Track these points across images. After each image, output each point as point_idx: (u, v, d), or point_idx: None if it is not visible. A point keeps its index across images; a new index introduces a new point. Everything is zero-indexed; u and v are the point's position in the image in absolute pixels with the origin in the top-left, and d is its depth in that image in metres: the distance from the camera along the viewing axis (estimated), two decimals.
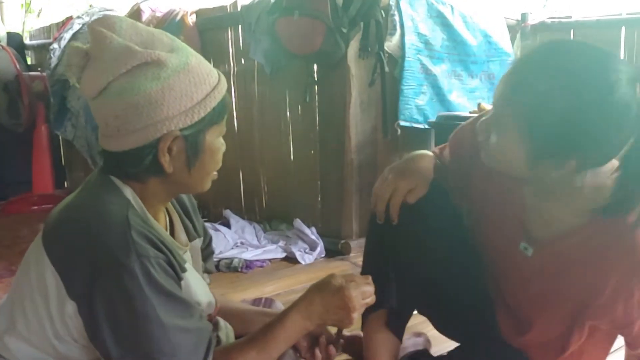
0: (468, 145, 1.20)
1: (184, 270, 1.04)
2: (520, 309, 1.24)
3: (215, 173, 1.10)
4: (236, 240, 2.94)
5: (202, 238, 1.24)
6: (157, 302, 0.93)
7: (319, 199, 3.06)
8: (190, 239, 1.19)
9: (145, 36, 0.99)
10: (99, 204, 0.97)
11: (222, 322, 1.21)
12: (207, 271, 1.28)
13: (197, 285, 1.11)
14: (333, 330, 1.28)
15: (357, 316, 1.11)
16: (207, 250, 1.27)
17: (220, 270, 2.63)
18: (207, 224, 3.00)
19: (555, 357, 1.21)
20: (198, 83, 0.99)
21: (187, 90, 0.98)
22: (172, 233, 1.14)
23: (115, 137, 0.99)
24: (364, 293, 1.12)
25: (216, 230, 2.97)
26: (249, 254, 2.77)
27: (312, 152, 3.06)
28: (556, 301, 1.15)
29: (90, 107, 1.02)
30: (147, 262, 0.93)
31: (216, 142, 1.06)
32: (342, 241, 2.83)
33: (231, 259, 2.70)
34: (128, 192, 1.01)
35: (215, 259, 2.67)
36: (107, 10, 3.88)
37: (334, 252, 2.81)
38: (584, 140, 0.94)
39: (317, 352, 1.27)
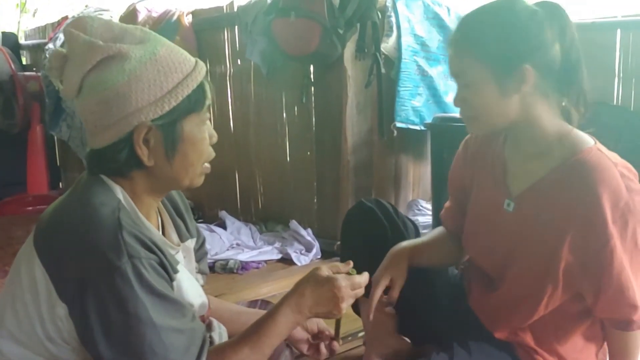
0: (456, 174, 1.44)
1: (175, 271, 1.03)
2: (496, 268, 1.31)
3: (207, 165, 1.08)
4: (232, 241, 2.94)
5: (194, 239, 1.23)
6: (149, 303, 0.92)
7: (315, 200, 3.05)
8: (183, 239, 1.18)
9: (117, 32, 0.99)
10: (90, 205, 0.96)
11: (215, 323, 1.21)
12: (201, 272, 1.27)
13: (189, 286, 1.10)
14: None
15: (345, 306, 1.10)
16: (200, 251, 1.27)
17: (216, 271, 2.62)
18: (203, 225, 2.99)
19: (526, 317, 1.23)
20: (168, 72, 0.98)
21: (155, 80, 0.97)
22: (163, 233, 1.13)
23: (94, 134, 1.00)
24: (353, 284, 1.11)
25: (212, 231, 2.96)
26: (245, 255, 2.76)
27: (309, 153, 3.05)
28: (531, 248, 1.21)
29: (75, 107, 1.03)
30: (138, 263, 0.92)
31: (197, 131, 1.03)
32: (338, 242, 2.81)
33: (227, 260, 2.69)
34: (119, 192, 1.01)
35: (210, 261, 2.66)
36: (103, 10, 3.87)
37: (329, 253, 2.80)
38: (521, 40, 1.15)
39: (322, 347, 1.27)
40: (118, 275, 0.90)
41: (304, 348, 1.30)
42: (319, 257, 2.79)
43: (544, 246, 1.18)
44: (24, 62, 4.67)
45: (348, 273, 1.13)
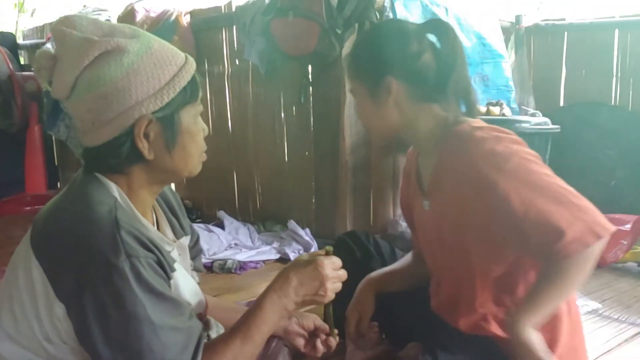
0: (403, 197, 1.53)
1: (173, 269, 1.03)
2: (439, 267, 1.40)
3: (204, 155, 1.10)
4: (230, 241, 2.94)
5: (189, 236, 1.24)
6: (147, 302, 0.92)
7: (313, 200, 3.05)
8: (177, 236, 1.18)
9: (107, 29, 1.00)
10: (87, 204, 0.96)
11: (213, 322, 1.20)
12: (196, 269, 1.28)
13: (186, 284, 1.10)
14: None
15: (331, 287, 1.11)
16: (195, 249, 1.27)
17: (214, 271, 2.62)
18: (201, 225, 3.00)
19: (472, 296, 1.27)
20: (163, 65, 0.99)
21: (152, 73, 0.98)
22: (158, 230, 1.13)
23: (92, 132, 0.99)
24: (334, 263, 1.13)
25: (210, 231, 2.96)
26: (243, 255, 2.76)
27: (307, 153, 3.05)
28: (451, 232, 1.28)
29: (67, 108, 1.02)
30: (136, 262, 0.92)
31: (193, 122, 1.05)
32: None
33: (225, 260, 2.69)
34: (114, 190, 1.01)
35: (208, 260, 2.66)
36: (101, 10, 3.87)
37: None
38: (382, 56, 1.28)
39: (318, 343, 1.27)
40: (116, 273, 0.90)
41: (301, 344, 1.30)
42: None
43: (459, 225, 1.24)
44: (22, 62, 4.66)
45: (326, 253, 1.16)
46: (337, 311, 1.27)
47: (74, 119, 1.02)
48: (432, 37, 1.30)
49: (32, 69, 4.34)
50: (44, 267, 0.94)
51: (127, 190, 1.03)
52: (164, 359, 0.94)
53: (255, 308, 1.08)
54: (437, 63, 1.26)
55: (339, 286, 1.13)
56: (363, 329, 1.48)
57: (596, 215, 1.08)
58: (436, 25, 1.31)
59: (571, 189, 1.11)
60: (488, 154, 1.14)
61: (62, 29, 0.98)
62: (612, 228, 1.08)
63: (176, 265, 1.06)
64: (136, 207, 1.03)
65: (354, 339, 1.50)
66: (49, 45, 3.83)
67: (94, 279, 0.91)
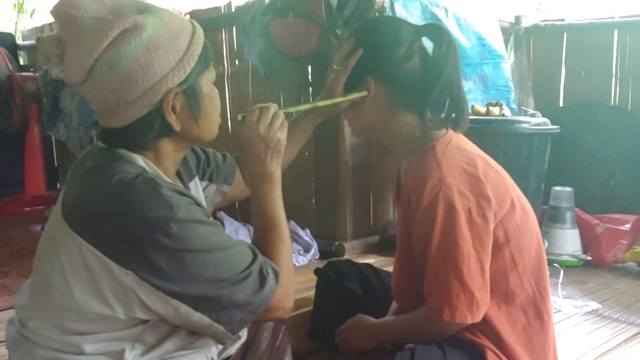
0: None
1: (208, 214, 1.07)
2: (396, 282, 1.42)
3: (219, 118, 1.12)
4: None
5: (195, 177, 1.28)
6: (209, 234, 0.97)
7: (313, 200, 3.06)
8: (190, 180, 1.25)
9: (111, 5, 0.98)
10: (120, 176, 0.96)
11: None
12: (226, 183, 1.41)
13: None
14: None
15: (275, 135, 1.10)
16: (214, 164, 1.36)
17: None
18: None
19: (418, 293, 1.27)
20: (178, 35, 1.00)
21: (170, 45, 0.98)
22: None
23: (117, 112, 0.99)
24: (252, 120, 1.10)
25: None
26: None
27: (307, 153, 3.05)
28: (400, 252, 1.33)
29: (82, 92, 1.01)
30: (185, 208, 0.95)
31: (211, 88, 1.07)
32: (336, 243, 2.83)
33: None
34: (140, 161, 1.02)
35: None
36: None
37: (328, 253, 2.80)
38: (367, 55, 1.26)
39: None
40: (174, 223, 0.93)
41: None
42: (317, 257, 2.79)
43: (405, 245, 1.28)
44: (22, 63, 4.66)
45: (241, 119, 1.13)
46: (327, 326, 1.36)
47: (91, 103, 1.01)
48: (427, 43, 1.27)
49: (31, 69, 4.34)
50: (99, 247, 0.94)
51: (153, 162, 1.04)
52: (246, 270, 0.98)
53: (260, 208, 1.11)
54: (423, 72, 1.24)
55: (282, 124, 1.12)
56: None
57: (469, 305, 1.16)
58: (433, 30, 1.27)
59: (478, 271, 1.16)
60: (442, 205, 1.15)
61: (70, 12, 0.96)
62: (472, 319, 1.17)
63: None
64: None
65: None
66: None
67: (155, 237, 0.93)
